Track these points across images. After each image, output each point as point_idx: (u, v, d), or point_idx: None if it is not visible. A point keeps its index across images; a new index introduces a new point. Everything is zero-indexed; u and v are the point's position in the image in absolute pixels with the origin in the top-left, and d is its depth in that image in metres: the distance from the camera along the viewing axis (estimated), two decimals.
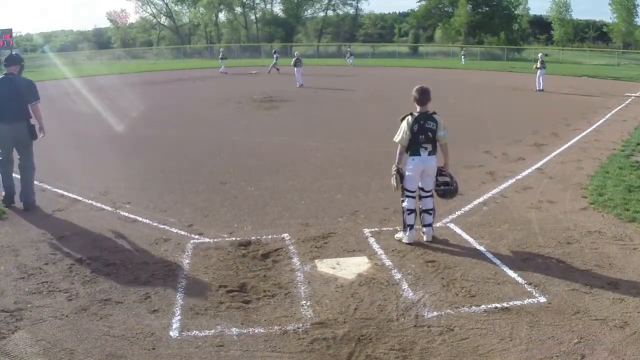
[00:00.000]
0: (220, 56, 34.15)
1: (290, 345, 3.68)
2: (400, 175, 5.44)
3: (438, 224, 6.00)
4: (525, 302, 4.23)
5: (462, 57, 46.67)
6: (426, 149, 5.39)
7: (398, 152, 5.51)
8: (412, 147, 5.40)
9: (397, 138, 5.48)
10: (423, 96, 5.44)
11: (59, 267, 4.90)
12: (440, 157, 5.57)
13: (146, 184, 7.89)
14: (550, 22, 63.52)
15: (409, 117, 5.43)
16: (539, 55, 22.70)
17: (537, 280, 4.59)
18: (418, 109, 5.46)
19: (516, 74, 30.28)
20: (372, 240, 5.61)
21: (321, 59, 45.60)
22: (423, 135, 5.36)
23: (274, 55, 34.00)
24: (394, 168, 5.46)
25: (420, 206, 5.59)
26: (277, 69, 31.04)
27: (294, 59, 24.72)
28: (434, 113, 5.47)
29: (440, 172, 5.60)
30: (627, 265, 4.89)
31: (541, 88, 20.98)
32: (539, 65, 21.27)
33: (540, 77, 21.13)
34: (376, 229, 5.90)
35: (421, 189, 5.54)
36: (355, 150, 10.22)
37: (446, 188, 5.69)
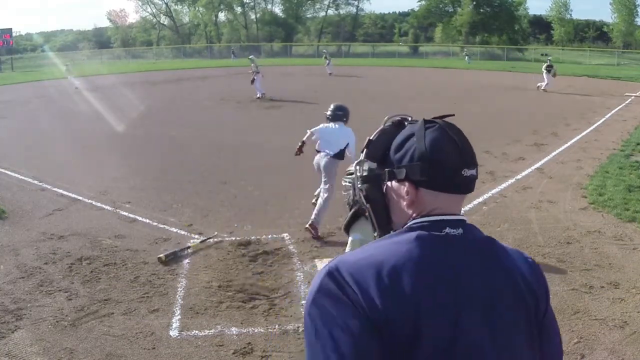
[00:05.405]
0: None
1: (290, 345, 3.68)
2: None
3: None
4: None
5: (466, 57, 45.13)
6: None
7: None
8: None
9: None
10: None
11: (59, 267, 4.90)
12: None
13: (146, 184, 7.89)
14: (550, 22, 63.44)
15: None
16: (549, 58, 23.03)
17: None
18: None
19: (516, 74, 30.19)
20: None
21: (321, 59, 45.51)
22: None
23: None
24: None
25: None
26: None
27: (255, 66, 18.40)
28: None
29: None
30: (626, 265, 4.89)
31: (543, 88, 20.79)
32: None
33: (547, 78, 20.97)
34: None
35: None
36: None
37: None
